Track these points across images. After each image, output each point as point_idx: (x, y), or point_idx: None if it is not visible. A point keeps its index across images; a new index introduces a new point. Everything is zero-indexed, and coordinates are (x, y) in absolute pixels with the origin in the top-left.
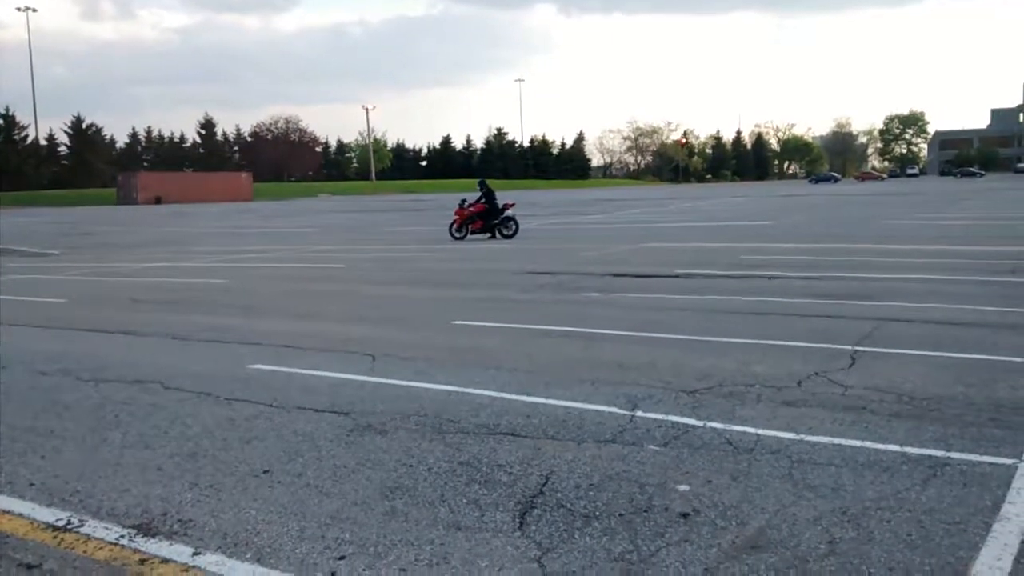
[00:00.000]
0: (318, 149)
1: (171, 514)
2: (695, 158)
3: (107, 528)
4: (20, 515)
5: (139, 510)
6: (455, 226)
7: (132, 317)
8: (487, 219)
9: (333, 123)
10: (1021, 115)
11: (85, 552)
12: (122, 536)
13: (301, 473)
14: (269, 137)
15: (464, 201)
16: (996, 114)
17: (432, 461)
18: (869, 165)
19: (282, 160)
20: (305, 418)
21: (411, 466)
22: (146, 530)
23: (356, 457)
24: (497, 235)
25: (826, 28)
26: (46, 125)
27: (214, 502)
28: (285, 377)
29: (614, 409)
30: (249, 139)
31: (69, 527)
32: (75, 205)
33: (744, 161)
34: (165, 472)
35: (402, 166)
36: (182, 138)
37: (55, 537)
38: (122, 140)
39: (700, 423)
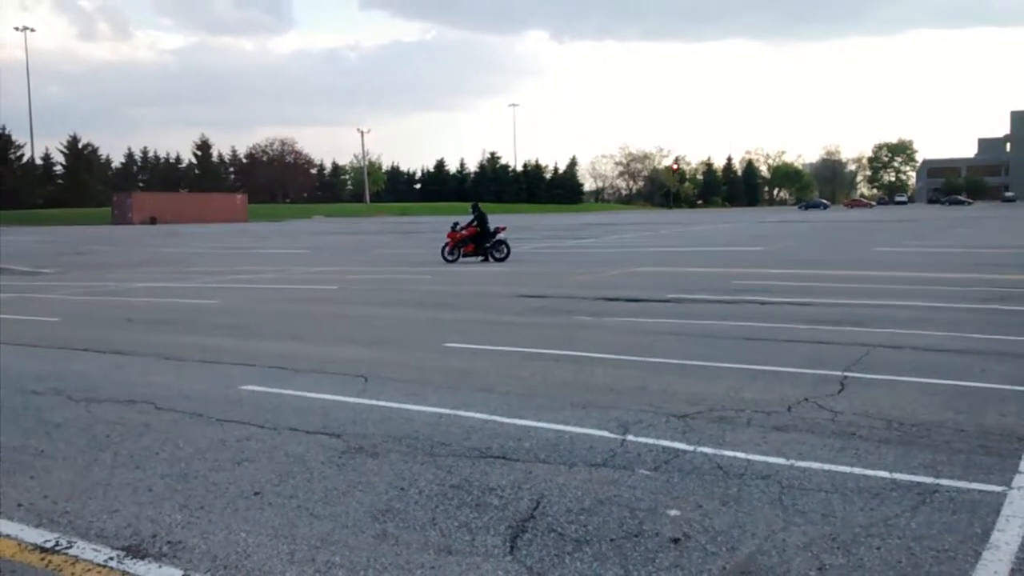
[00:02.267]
0: (313, 171)
1: (161, 536)
2: (686, 184)
3: (96, 550)
4: (8, 536)
5: (129, 531)
6: (447, 249)
7: (125, 337)
8: (479, 242)
9: (328, 145)
10: (1008, 144)
11: (73, 574)
12: (111, 558)
13: (292, 495)
14: (264, 159)
15: (456, 224)
16: (983, 143)
17: (423, 484)
18: (858, 192)
19: (277, 181)
20: (296, 440)
21: (402, 489)
22: (135, 552)
23: (347, 479)
24: (489, 258)
25: (816, 57)
26: (42, 144)
27: (204, 524)
28: (277, 398)
29: (605, 433)
30: (244, 160)
31: (57, 548)
32: (70, 224)
33: (735, 187)
34: (156, 493)
35: (396, 188)
36: (178, 159)
37: (43, 559)
38: (118, 160)
39: (691, 448)
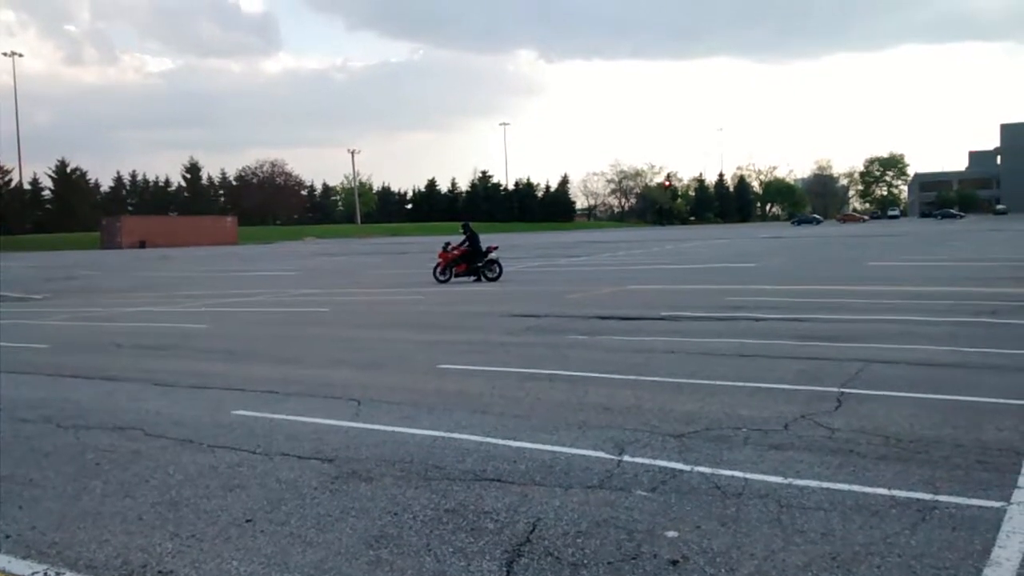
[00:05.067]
0: (303, 192)
1: (151, 565)
2: (678, 200)
3: None
4: None
5: (119, 561)
6: (439, 269)
7: (114, 363)
8: (471, 262)
9: (318, 166)
10: (998, 157)
11: None
12: None
13: (284, 522)
14: (254, 180)
15: (448, 244)
16: (974, 156)
17: (418, 509)
18: (850, 207)
19: (268, 203)
20: (289, 465)
21: (396, 514)
22: None
23: (340, 505)
24: (481, 278)
25: (805, 72)
26: (30, 169)
27: (196, 552)
28: (269, 424)
29: (601, 454)
30: (234, 182)
31: None
32: (59, 249)
33: (727, 203)
34: (146, 522)
35: (387, 209)
36: (167, 182)
37: None
38: (107, 184)
39: (688, 467)
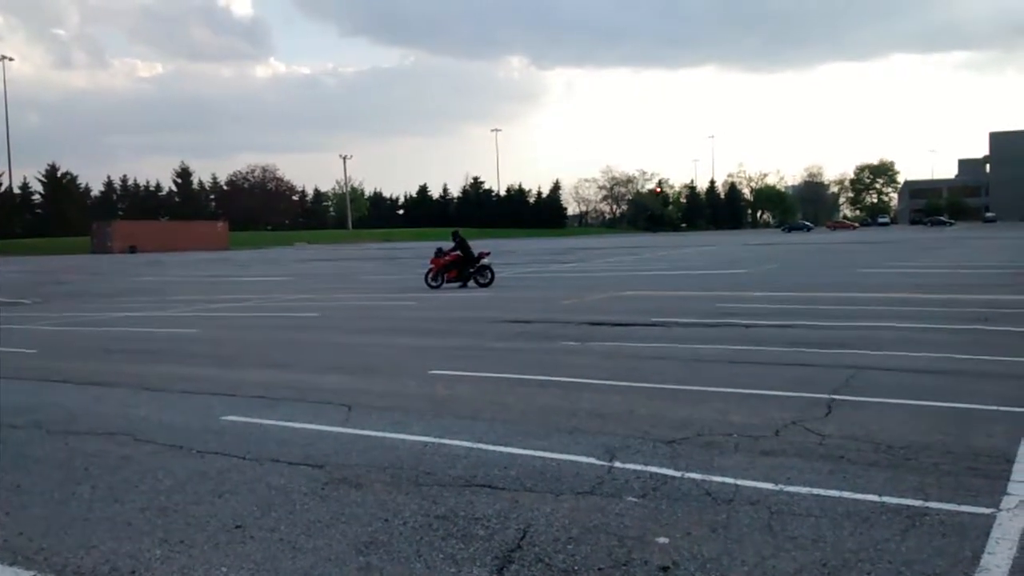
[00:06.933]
0: (295, 198)
1: (140, 572)
2: (670, 207)
3: None
4: None
5: (107, 568)
6: (431, 275)
7: (104, 368)
8: (463, 268)
9: (310, 172)
10: (987, 166)
11: None
12: None
13: (274, 528)
14: (246, 186)
15: (440, 250)
16: (963, 164)
17: (408, 515)
18: (841, 214)
19: (259, 209)
20: (279, 471)
21: (386, 520)
22: None
23: (330, 511)
24: (473, 284)
25: (795, 81)
26: (20, 174)
27: (184, 559)
28: (259, 429)
29: (592, 460)
30: (226, 188)
31: None
32: (49, 254)
33: (718, 210)
34: (135, 527)
35: (379, 214)
36: (158, 187)
37: None
38: (97, 189)
39: (678, 473)
